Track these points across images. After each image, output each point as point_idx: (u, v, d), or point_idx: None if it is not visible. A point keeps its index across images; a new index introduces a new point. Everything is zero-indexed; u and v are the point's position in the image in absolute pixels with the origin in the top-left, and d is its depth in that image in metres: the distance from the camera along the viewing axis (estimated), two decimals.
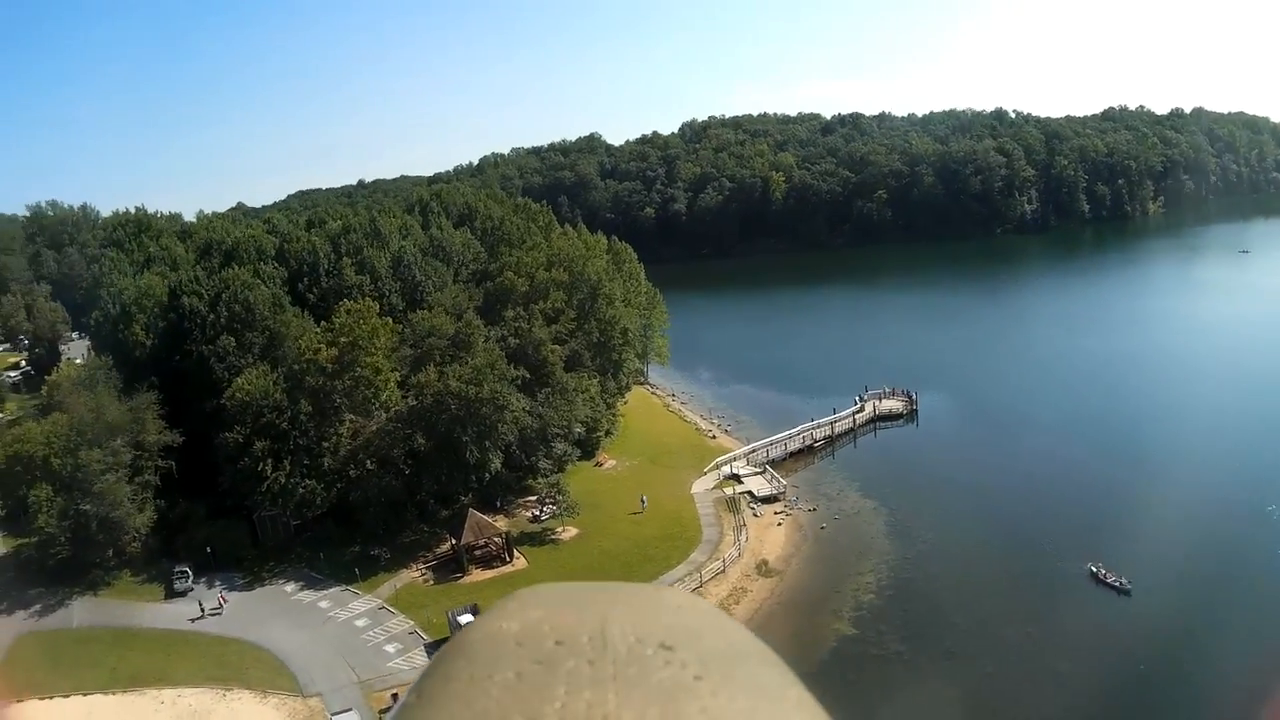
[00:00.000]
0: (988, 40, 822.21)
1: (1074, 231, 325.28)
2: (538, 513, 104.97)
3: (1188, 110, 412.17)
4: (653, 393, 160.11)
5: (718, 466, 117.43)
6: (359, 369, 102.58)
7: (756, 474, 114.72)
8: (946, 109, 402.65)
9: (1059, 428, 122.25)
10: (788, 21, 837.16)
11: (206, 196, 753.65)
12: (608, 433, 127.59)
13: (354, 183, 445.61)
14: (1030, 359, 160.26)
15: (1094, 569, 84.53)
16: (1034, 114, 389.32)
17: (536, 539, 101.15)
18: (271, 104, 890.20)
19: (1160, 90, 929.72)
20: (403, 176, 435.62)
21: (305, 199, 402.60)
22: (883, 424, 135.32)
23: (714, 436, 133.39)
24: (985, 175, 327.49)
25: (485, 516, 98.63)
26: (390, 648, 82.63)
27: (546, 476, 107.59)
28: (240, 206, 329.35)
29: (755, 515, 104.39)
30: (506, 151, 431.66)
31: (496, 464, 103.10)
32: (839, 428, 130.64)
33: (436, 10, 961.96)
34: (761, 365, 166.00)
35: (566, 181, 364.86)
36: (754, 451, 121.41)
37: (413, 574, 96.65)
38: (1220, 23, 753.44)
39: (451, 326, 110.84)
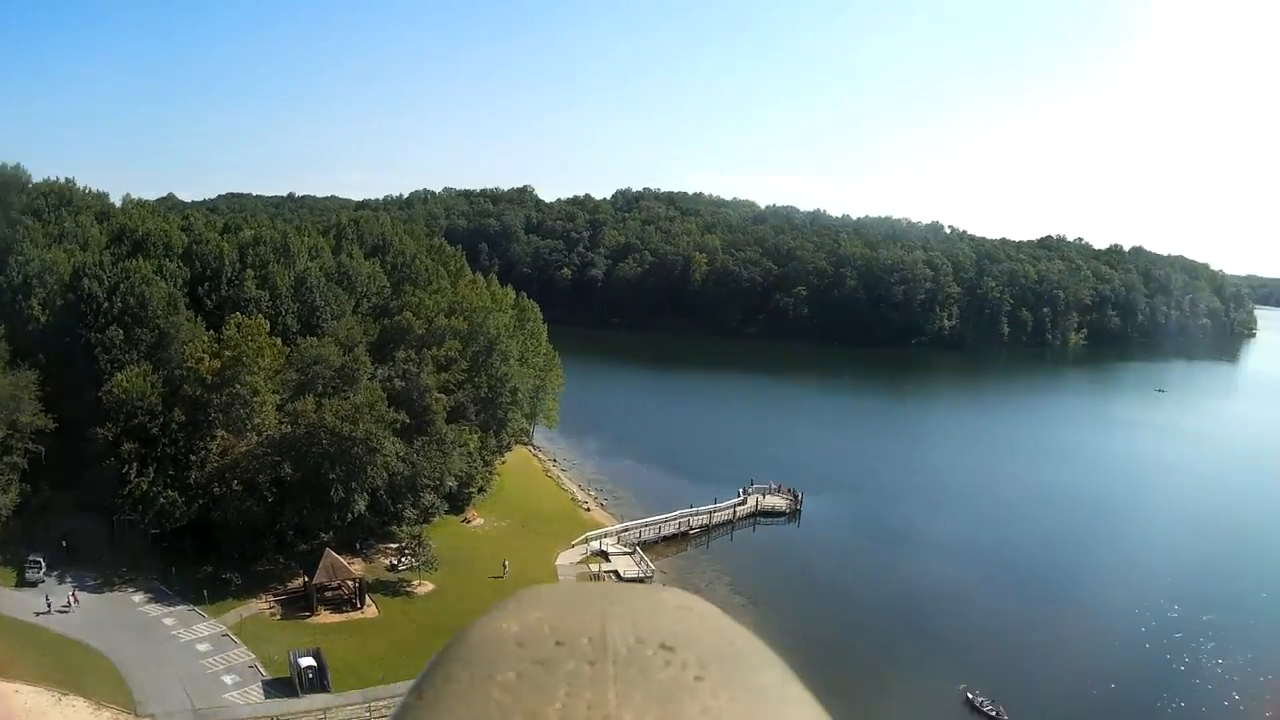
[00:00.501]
0: (937, 156, 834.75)
1: (991, 353, 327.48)
2: (397, 562, 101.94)
3: (1127, 248, 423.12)
4: (535, 454, 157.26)
5: (587, 540, 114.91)
6: (238, 386, 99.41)
7: (625, 554, 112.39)
8: (882, 215, 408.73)
9: (947, 548, 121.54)
10: (742, 114, 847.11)
11: (141, 181, 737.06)
12: (481, 489, 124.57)
13: (285, 194, 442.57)
14: (927, 476, 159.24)
15: (970, 695, 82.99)
16: (970, 232, 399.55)
17: (391, 589, 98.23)
18: (221, 98, 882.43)
19: (1101, 226, 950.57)
20: (333, 197, 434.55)
21: (234, 201, 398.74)
22: (764, 519, 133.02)
23: (588, 509, 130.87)
24: (909, 286, 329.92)
25: (341, 558, 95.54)
26: (228, 678, 79.84)
27: (410, 526, 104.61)
28: (171, 198, 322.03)
29: None
30: (438, 190, 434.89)
31: (361, 506, 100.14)
32: (718, 518, 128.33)
33: (409, 33, 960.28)
34: (650, 443, 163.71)
35: (490, 229, 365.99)
36: (626, 530, 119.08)
37: (261, 605, 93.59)
38: (1170, 168, 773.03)
39: (339, 359, 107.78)
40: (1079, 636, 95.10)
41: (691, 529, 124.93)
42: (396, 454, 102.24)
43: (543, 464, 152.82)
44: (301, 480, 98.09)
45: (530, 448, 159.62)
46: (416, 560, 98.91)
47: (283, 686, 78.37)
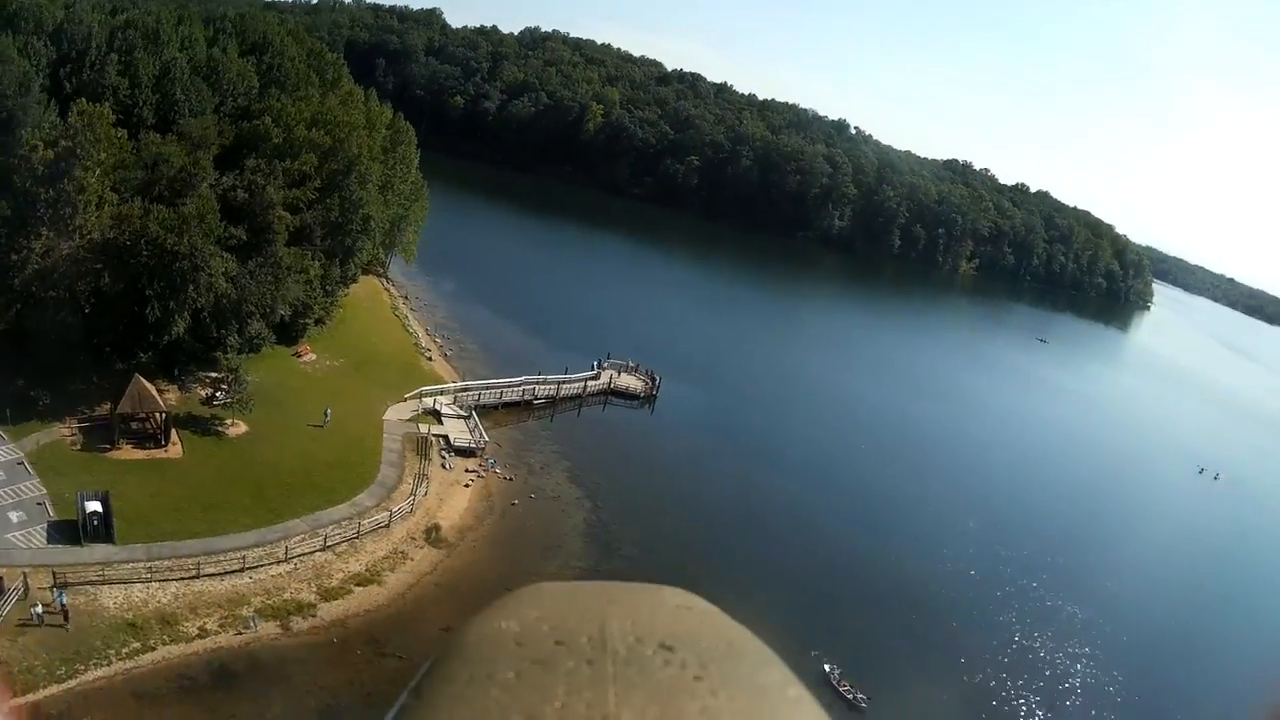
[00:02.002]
0: (858, 53, 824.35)
1: (877, 262, 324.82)
2: (213, 395, 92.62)
3: (1033, 189, 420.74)
4: (386, 288, 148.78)
5: (421, 396, 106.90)
6: (67, 182, 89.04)
7: (460, 417, 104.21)
8: (789, 102, 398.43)
9: (801, 466, 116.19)
10: None
11: None
12: (319, 321, 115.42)
13: None
14: (792, 383, 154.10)
15: (829, 670, 74.13)
16: (875, 138, 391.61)
17: (202, 426, 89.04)
18: None
19: (1008, 164, 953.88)
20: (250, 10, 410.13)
21: None
22: (616, 400, 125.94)
23: (430, 357, 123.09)
24: (805, 178, 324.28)
25: (153, 387, 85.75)
26: (14, 515, 71.15)
27: (232, 356, 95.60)
28: None
29: (445, 468, 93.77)
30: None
31: (180, 328, 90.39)
32: (566, 390, 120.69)
33: None
34: (511, 296, 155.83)
35: (390, 46, 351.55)
36: (466, 391, 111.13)
37: (64, 430, 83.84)
38: (1084, 121, 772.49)
39: (181, 160, 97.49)
40: (916, 581, 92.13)
41: (536, 399, 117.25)
42: (225, 274, 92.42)
43: (392, 300, 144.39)
44: (121, 293, 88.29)
45: (383, 280, 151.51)
46: (230, 397, 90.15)
47: (68, 530, 70.39)
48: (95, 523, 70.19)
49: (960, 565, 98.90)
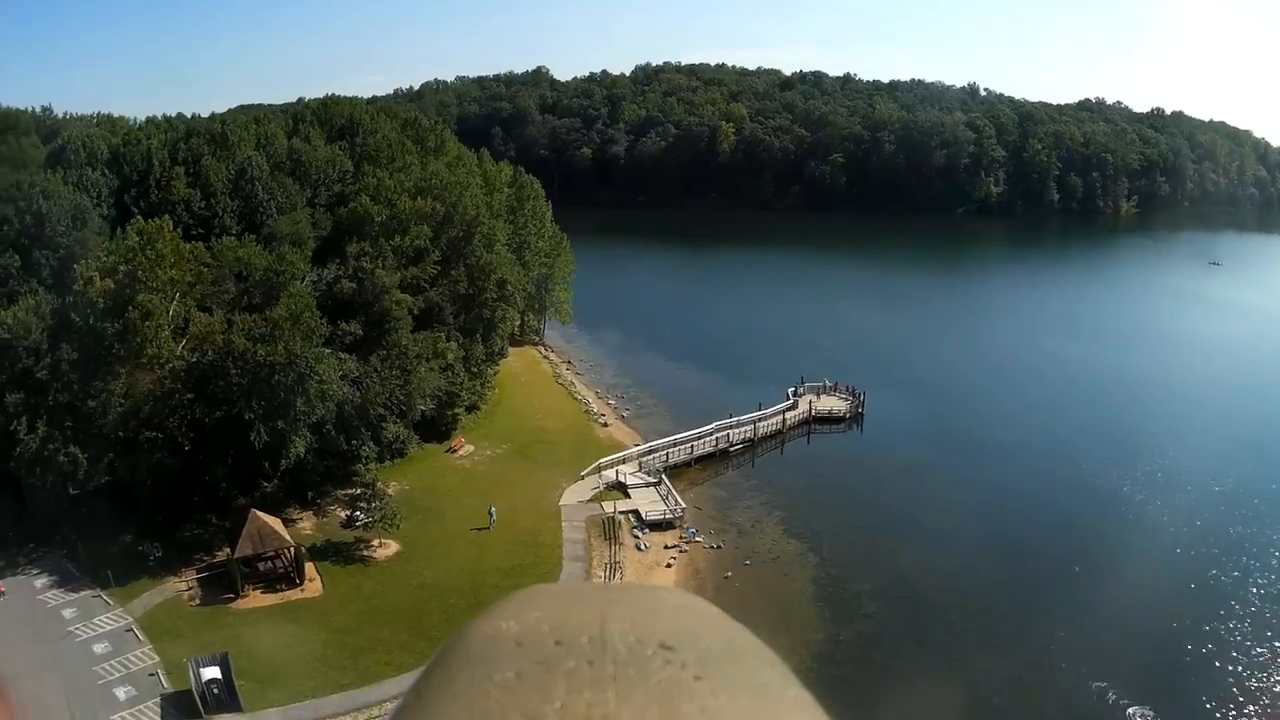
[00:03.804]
0: (966, 18, 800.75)
1: (1041, 220, 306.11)
2: (354, 514, 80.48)
3: (1168, 112, 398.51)
4: (545, 356, 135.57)
5: (599, 470, 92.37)
6: (132, 309, 76.89)
7: (649, 485, 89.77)
8: (914, 79, 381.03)
9: (1041, 456, 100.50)
10: None
11: (157, 104, 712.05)
12: (471, 408, 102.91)
13: (294, 99, 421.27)
14: (995, 361, 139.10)
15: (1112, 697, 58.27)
16: (1008, 94, 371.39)
17: (344, 553, 76.86)
18: (236, 12, 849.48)
19: (1139, 91, 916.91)
20: (340, 96, 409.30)
21: (247, 111, 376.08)
22: (820, 427, 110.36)
23: (606, 423, 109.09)
24: (951, 150, 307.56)
25: (274, 520, 73.95)
26: (122, 691, 61.98)
27: (369, 467, 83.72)
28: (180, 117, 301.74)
29: (640, 548, 79.78)
30: (450, 79, 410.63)
31: (300, 448, 78.44)
32: (764, 428, 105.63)
33: None
34: (680, 335, 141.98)
35: (503, 113, 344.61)
36: (651, 453, 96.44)
37: (179, 585, 73.24)
38: (1209, 32, 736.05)
39: (264, 260, 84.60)
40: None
41: (732, 445, 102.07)
42: (344, 376, 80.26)
43: (553, 367, 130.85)
44: (221, 422, 77.01)
45: (540, 348, 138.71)
46: (372, 515, 77.92)
47: (185, 703, 59.74)
48: (215, 691, 59.95)
49: None
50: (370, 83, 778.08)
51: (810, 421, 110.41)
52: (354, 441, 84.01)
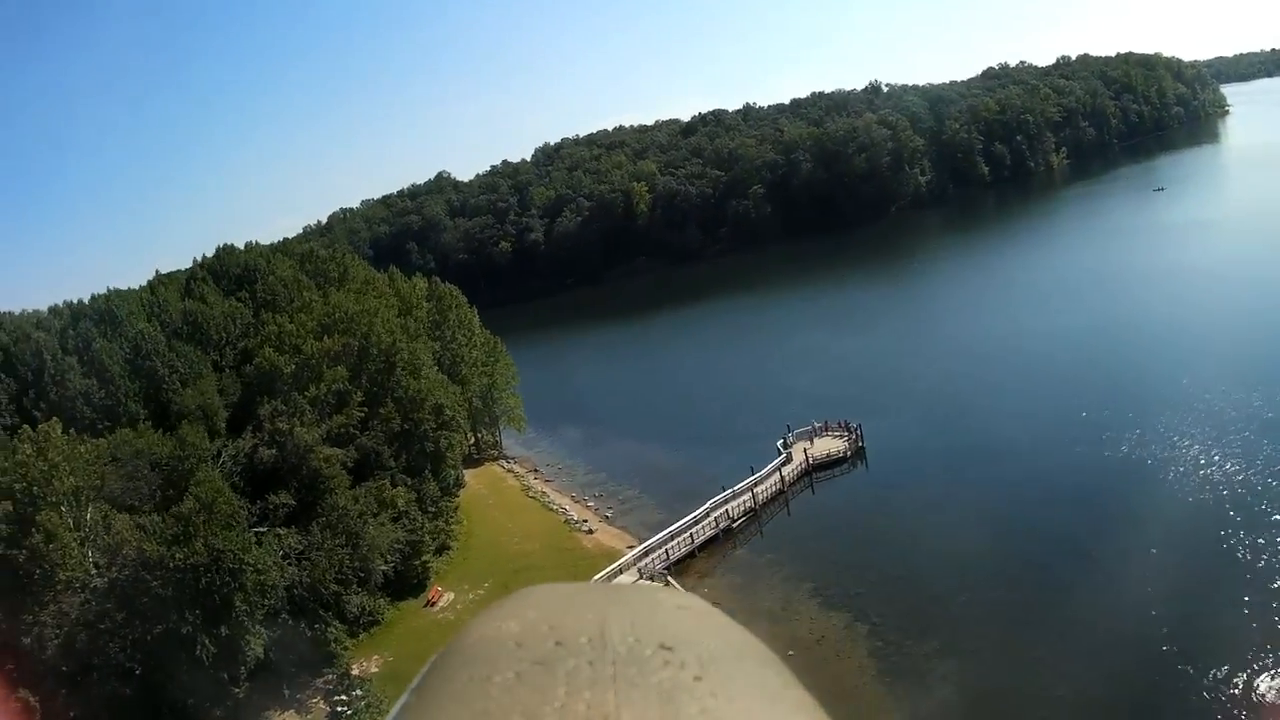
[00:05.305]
0: (848, 24, 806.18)
1: (976, 197, 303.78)
2: (337, 709, 69.99)
3: (1074, 58, 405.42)
4: (509, 470, 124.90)
5: None
6: (34, 532, 66.80)
7: (655, 590, 77.84)
8: (813, 92, 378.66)
9: (1042, 436, 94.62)
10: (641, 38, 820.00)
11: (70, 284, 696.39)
12: (440, 550, 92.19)
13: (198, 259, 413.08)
14: (976, 350, 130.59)
15: None
16: (912, 83, 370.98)
17: None
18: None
19: (1038, 46, 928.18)
20: (228, 245, 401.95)
21: (174, 279, 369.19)
22: (821, 475, 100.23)
23: (590, 529, 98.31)
24: (870, 153, 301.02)
25: None
26: None
27: (341, 648, 73.23)
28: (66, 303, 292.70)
29: None
30: (356, 204, 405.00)
31: (258, 648, 68.33)
32: (763, 493, 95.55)
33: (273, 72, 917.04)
34: (646, 413, 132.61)
35: (414, 226, 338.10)
36: (648, 555, 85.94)
37: None
38: None
39: (166, 445, 74.28)
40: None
41: (734, 520, 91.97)
42: (283, 556, 69.90)
43: (520, 480, 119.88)
44: (163, 636, 66.09)
45: (501, 462, 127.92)
46: (354, 708, 68.26)
47: None
48: None
49: None
50: (281, 226, 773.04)
51: (810, 471, 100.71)
52: (316, 625, 73.36)
